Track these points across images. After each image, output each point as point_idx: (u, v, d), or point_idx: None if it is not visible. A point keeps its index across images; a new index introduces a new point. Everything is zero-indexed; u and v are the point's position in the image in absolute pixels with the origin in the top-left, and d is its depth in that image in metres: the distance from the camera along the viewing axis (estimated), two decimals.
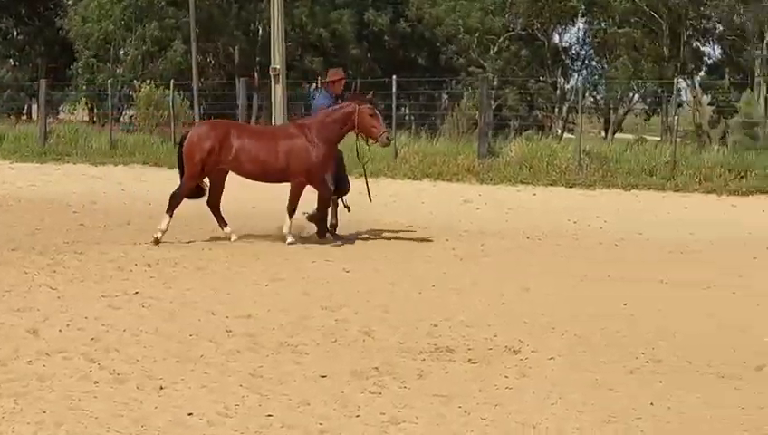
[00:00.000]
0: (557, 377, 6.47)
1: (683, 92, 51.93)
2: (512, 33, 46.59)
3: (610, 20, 51.60)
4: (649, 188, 16.87)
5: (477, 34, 45.93)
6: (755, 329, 7.92)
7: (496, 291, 9.23)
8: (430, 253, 11.59)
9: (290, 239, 11.87)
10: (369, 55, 47.67)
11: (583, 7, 49.19)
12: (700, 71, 55.43)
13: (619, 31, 50.42)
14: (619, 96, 52.01)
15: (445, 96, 43.02)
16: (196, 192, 12.26)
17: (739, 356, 7.05)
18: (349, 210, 12.52)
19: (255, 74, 40.52)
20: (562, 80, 50.97)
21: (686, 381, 6.42)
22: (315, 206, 12.39)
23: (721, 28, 53.34)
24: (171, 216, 12.03)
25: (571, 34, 58.52)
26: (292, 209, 12.01)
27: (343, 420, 5.57)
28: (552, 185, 17.23)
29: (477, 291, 9.26)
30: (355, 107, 11.91)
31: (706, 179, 16.97)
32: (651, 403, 5.93)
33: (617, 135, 50.47)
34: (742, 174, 17.09)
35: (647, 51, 50.19)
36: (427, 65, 48.07)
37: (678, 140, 20.45)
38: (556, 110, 48.03)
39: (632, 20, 49.65)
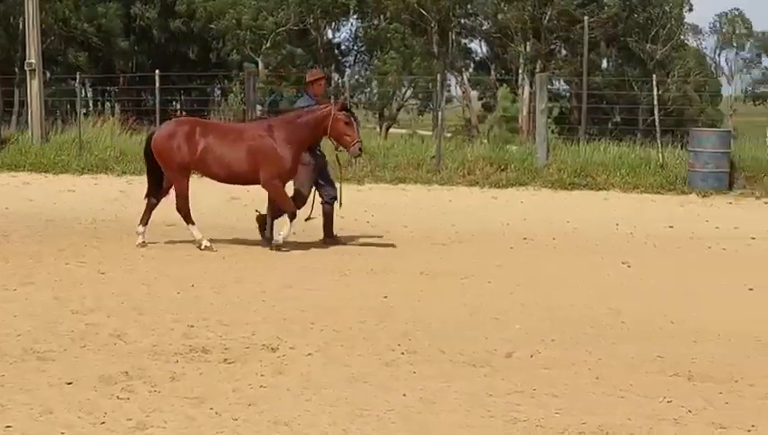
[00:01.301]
0: (313, 373, 6.42)
1: (452, 88, 53.58)
2: (284, 28, 46.58)
3: (381, 17, 52.56)
4: (416, 182, 17.23)
5: (250, 30, 45.69)
6: (508, 317, 8.16)
7: (258, 288, 9.12)
8: (192, 252, 11.34)
9: (277, 240, 11.36)
10: (137, 49, 46.50)
11: (355, 3, 49.78)
12: (468, 67, 57.31)
13: (390, 27, 51.43)
14: (391, 92, 53.00)
15: (217, 91, 42.56)
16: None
17: (490, 344, 7.23)
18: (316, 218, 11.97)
19: (16, 70, 38.80)
20: (336, 75, 51.48)
21: (438, 371, 6.51)
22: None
23: (487, 26, 55.31)
24: (193, 223, 11.57)
25: (343, 31, 59.03)
26: (290, 212, 11.34)
27: (88, 427, 5.32)
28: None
29: (238, 289, 9.13)
30: (330, 111, 11.24)
31: (470, 173, 17.50)
32: (404, 394, 5.98)
33: (391, 130, 51.43)
34: (502, 167, 17.72)
35: (417, 47, 51.38)
36: (198, 60, 47.41)
37: (449, 134, 21.12)
38: None
39: (402, 17, 50.71)
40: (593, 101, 45.84)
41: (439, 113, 21.55)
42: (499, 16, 52.83)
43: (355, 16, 53.51)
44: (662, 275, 10.39)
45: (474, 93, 55.61)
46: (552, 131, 47.71)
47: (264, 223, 11.81)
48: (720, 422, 5.54)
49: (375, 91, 54.68)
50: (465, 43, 57.42)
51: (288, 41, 48.28)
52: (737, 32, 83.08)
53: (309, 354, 6.86)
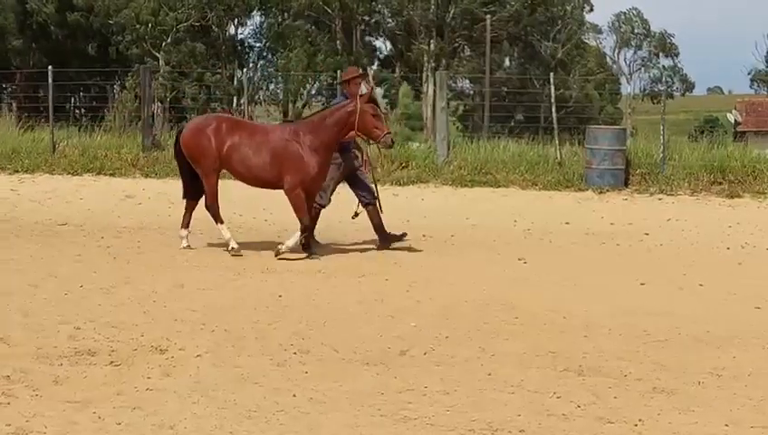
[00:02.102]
0: (202, 375, 6.30)
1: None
2: (185, 24, 46.00)
3: (286, 14, 52.33)
4: None
5: (150, 26, 45.02)
6: (403, 314, 8.13)
7: (149, 288, 8.93)
8: (82, 251, 11.05)
9: (284, 248, 10.82)
10: (33, 46, 45.43)
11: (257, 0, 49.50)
12: (373, 64, 57.46)
13: (295, 24, 51.24)
14: (295, 88, 52.83)
15: (117, 88, 41.82)
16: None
17: (384, 342, 7.20)
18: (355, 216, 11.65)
19: None
20: (240, 72, 51.04)
21: (331, 370, 6.44)
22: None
23: (392, 23, 55.56)
24: (223, 222, 11.21)
25: (247, 27, 58.54)
26: (304, 226, 10.88)
27: None
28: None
29: (128, 289, 8.92)
30: (356, 106, 10.80)
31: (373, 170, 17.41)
32: (294, 395, 5.90)
33: None
34: (404, 164, 17.75)
35: (322, 45, 51.30)
36: (98, 56, 46.52)
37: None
38: (234, 102, 47.92)
39: (306, 14, 50.58)
40: (496, 99, 46.45)
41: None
42: (403, 14, 53.14)
43: (258, 13, 53.19)
44: (557, 270, 10.48)
45: (379, 90, 55.75)
46: (457, 129, 48.15)
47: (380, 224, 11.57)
48: (608, 417, 5.59)
49: (279, 87, 54.40)
50: (370, 41, 57.61)
51: (190, 37, 47.70)
52: (635, 31, 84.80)
53: (198, 356, 6.73)
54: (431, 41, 52.81)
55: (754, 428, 5.44)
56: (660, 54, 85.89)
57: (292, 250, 10.77)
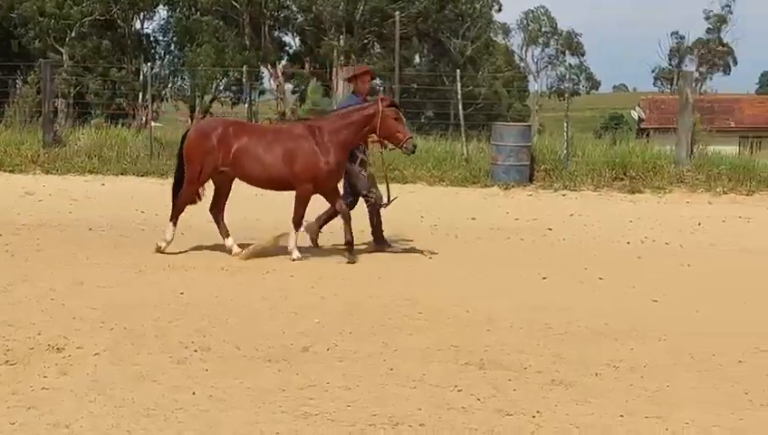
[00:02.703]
0: (100, 373, 6.20)
1: (266, 81, 53.31)
2: (90, 18, 45.16)
3: (193, 8, 51.77)
4: None
5: (54, 20, 44.10)
6: (307, 311, 8.10)
7: (47, 286, 8.73)
8: None
9: (295, 255, 10.55)
10: None
11: None
12: (282, 59, 57.14)
13: (202, 19, 50.70)
14: (204, 84, 52.28)
15: (19, 82, 40.83)
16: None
17: (287, 338, 7.17)
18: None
19: None
20: (146, 67, 50.31)
21: (232, 367, 6.40)
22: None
23: (301, 19, 55.32)
24: (175, 224, 10.78)
25: (153, 22, 57.78)
26: (297, 221, 10.73)
27: None
28: (122, 174, 16.82)
29: (26, 287, 8.71)
30: (378, 108, 10.55)
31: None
32: (194, 393, 5.84)
33: None
34: None
35: (229, 40, 50.85)
36: None
37: None
38: (140, 97, 47.27)
39: (214, 9, 50.09)
40: (406, 95, 46.60)
41: (246, 106, 21.33)
42: (313, 10, 52.97)
43: (165, 8, 52.50)
44: (462, 266, 10.56)
45: (288, 86, 55.54)
46: None
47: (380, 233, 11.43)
48: (506, 409, 5.65)
49: (187, 83, 53.78)
50: (279, 36, 57.27)
51: (95, 32, 46.86)
52: (543, 29, 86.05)
53: (96, 354, 6.63)
54: (341, 37, 52.74)
55: (649, 418, 5.55)
56: (567, 53, 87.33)
57: (296, 248, 10.64)
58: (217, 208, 11.13)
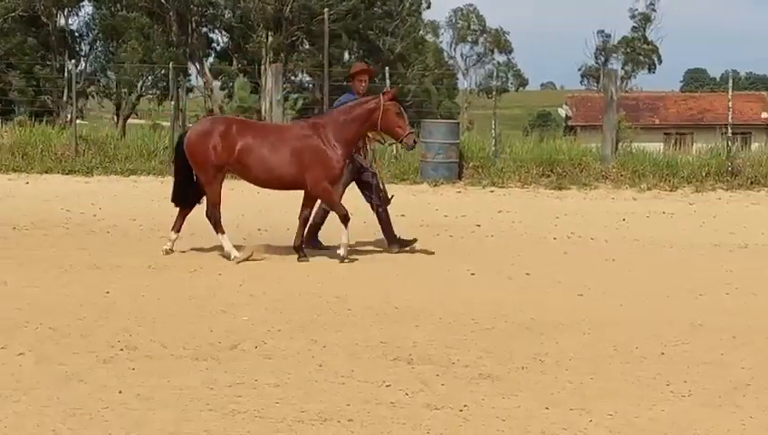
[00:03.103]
0: (24, 373, 6.12)
1: (193, 78, 52.87)
2: (13, 14, 44.35)
3: (119, 5, 51.11)
4: (149, 174, 16.82)
5: None
6: (236, 309, 8.08)
7: None
8: None
9: (343, 251, 10.49)
10: None
11: None
12: (210, 57, 56.71)
13: (129, 15, 50.08)
14: (130, 81, 51.65)
15: None
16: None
17: (215, 337, 7.14)
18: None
19: None
20: (70, 64, 49.58)
21: (159, 366, 6.36)
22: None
23: (228, 15, 54.93)
24: (224, 232, 10.46)
25: (78, 18, 56.88)
26: (342, 215, 10.54)
27: None
28: (47, 172, 16.57)
29: None
30: (379, 103, 10.45)
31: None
32: (120, 392, 5.80)
33: (131, 120, 50.14)
34: None
35: (156, 36, 50.30)
36: None
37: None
38: (65, 95, 46.53)
39: (140, 5, 49.51)
40: (336, 93, 46.59)
41: (177, 103, 21.11)
42: (241, 6, 52.64)
43: (90, 4, 51.76)
44: (390, 262, 10.61)
45: (216, 83, 55.08)
46: None
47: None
48: (434, 404, 5.70)
49: (113, 80, 53.09)
50: (207, 33, 56.81)
51: (19, 28, 46.03)
52: (472, 27, 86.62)
53: (21, 354, 6.54)
54: (269, 34, 52.51)
55: (573, 410, 5.64)
56: (495, 51, 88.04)
57: (347, 245, 10.61)
58: (189, 205, 10.93)
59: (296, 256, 10.60)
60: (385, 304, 8.35)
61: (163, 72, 47.57)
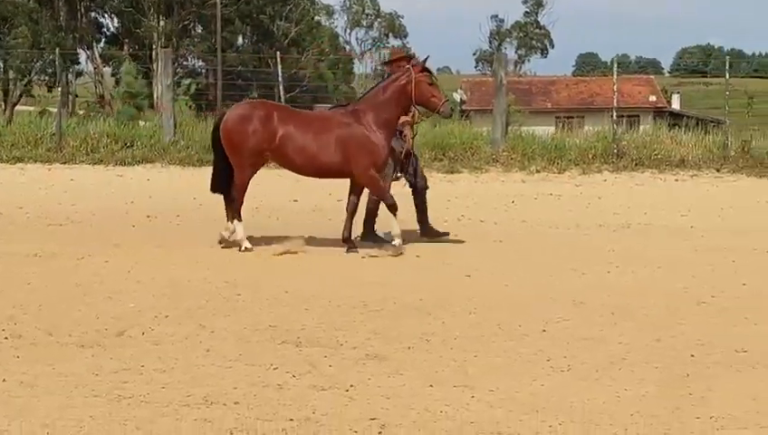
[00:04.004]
0: None
1: (83, 63, 51.86)
2: None
3: None
4: (36, 161, 16.51)
5: None
6: (123, 295, 8.04)
7: None
8: None
9: (397, 241, 10.25)
10: None
11: None
12: (100, 42, 55.69)
13: (17, 0, 48.87)
14: (18, 66, 50.37)
15: None
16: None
17: (101, 323, 7.10)
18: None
19: None
20: None
21: (44, 354, 6.30)
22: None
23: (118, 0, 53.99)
24: (240, 220, 10.16)
25: None
26: (390, 206, 10.31)
27: None
28: None
29: None
30: (411, 76, 10.19)
31: (94, 150, 17.05)
32: (4, 380, 5.74)
33: (20, 107, 48.91)
34: (128, 144, 17.41)
35: (45, 21, 49.20)
36: None
37: (82, 111, 20.54)
38: None
39: None
40: (230, 77, 46.18)
41: (66, 89, 20.75)
42: None
43: None
44: (282, 247, 10.62)
45: (107, 69, 54.14)
46: (191, 108, 47.31)
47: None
48: (321, 385, 5.77)
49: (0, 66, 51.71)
50: (96, 17, 55.77)
51: None
52: (366, 12, 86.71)
53: None
54: (161, 18, 51.80)
55: (456, 387, 5.78)
56: (390, 35, 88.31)
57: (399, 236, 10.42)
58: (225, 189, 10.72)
59: (183, 241, 10.54)
60: (275, 289, 8.39)
61: (52, 57, 46.54)
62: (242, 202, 10.51)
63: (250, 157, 10.33)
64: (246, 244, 10.37)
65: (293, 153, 10.33)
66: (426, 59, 10.83)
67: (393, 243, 10.39)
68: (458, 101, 55.46)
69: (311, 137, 10.29)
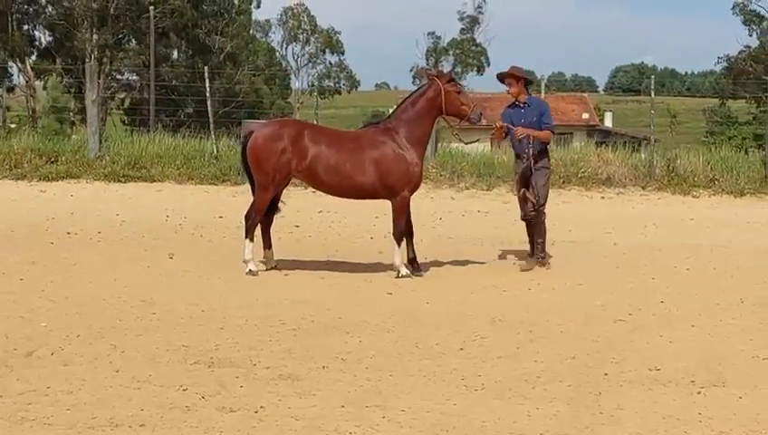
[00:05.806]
0: None
1: (15, 77, 51.09)
2: None
3: None
4: None
5: None
6: (35, 314, 7.90)
7: None
8: None
9: (403, 271, 9.91)
10: None
11: None
12: (32, 55, 54.85)
13: None
14: None
15: None
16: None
17: (11, 343, 6.94)
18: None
19: None
20: None
21: None
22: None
23: (51, 12, 53.30)
24: (252, 240, 9.77)
25: None
26: (399, 235, 10.15)
27: None
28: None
29: None
30: (438, 88, 10.02)
31: (17, 165, 16.76)
32: None
33: None
34: (53, 159, 17.14)
35: None
36: None
37: (14, 125, 20.20)
38: None
39: None
40: (164, 92, 45.77)
41: None
42: (63, 3, 51.16)
43: None
44: (203, 265, 10.50)
45: (39, 83, 53.34)
46: (124, 123, 46.73)
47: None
48: (230, 406, 5.69)
49: None
50: (29, 30, 54.95)
51: None
52: (303, 27, 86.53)
53: None
54: (94, 31, 51.20)
55: (369, 407, 5.73)
56: (327, 51, 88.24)
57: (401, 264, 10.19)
58: (267, 217, 10.44)
59: (101, 258, 10.38)
60: (191, 308, 8.28)
61: None
62: (258, 223, 10.28)
63: (276, 176, 10.06)
64: (252, 266, 10.08)
65: (325, 173, 10.05)
66: (452, 69, 10.91)
67: (401, 273, 10.09)
68: None
69: (344, 157, 10.04)
